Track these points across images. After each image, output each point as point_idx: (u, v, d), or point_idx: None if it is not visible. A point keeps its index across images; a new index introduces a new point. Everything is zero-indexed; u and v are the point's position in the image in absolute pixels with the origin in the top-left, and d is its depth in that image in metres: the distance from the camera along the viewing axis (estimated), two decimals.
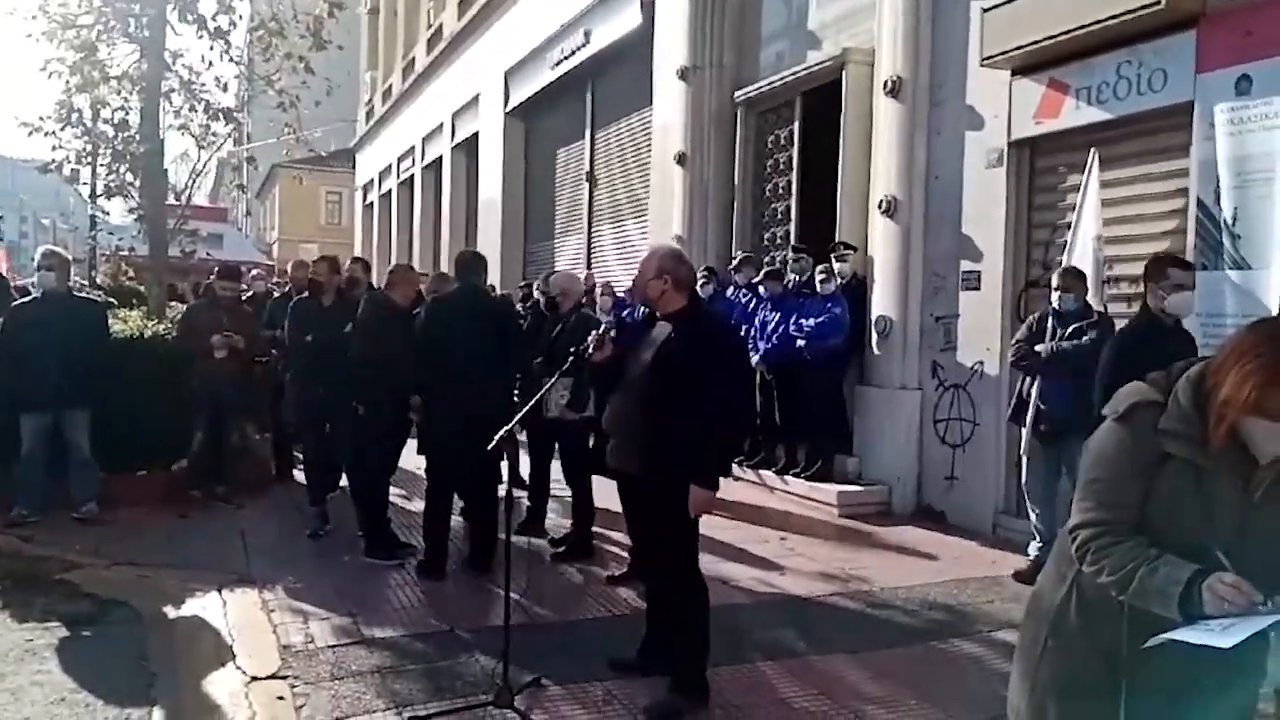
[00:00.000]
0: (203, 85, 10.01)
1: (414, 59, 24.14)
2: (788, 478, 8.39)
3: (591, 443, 5.94)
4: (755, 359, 8.05)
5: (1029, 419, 5.98)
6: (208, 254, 11.33)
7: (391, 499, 6.60)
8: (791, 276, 8.54)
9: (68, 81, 9.51)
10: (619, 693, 4.11)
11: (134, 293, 11.94)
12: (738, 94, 10.43)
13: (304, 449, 7.82)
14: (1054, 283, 5.97)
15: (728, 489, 4.10)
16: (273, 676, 4.27)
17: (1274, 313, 4.97)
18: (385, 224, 28.15)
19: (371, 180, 29.99)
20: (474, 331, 5.75)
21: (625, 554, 6.04)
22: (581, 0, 13.98)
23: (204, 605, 5.25)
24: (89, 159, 10.50)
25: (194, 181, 10.95)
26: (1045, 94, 6.81)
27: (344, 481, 7.00)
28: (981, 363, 7.36)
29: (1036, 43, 6.58)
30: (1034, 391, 5.94)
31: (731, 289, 9.35)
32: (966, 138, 7.46)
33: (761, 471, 8.67)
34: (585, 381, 5.62)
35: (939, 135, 7.74)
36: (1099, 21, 6.12)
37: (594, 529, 6.45)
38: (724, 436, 4.06)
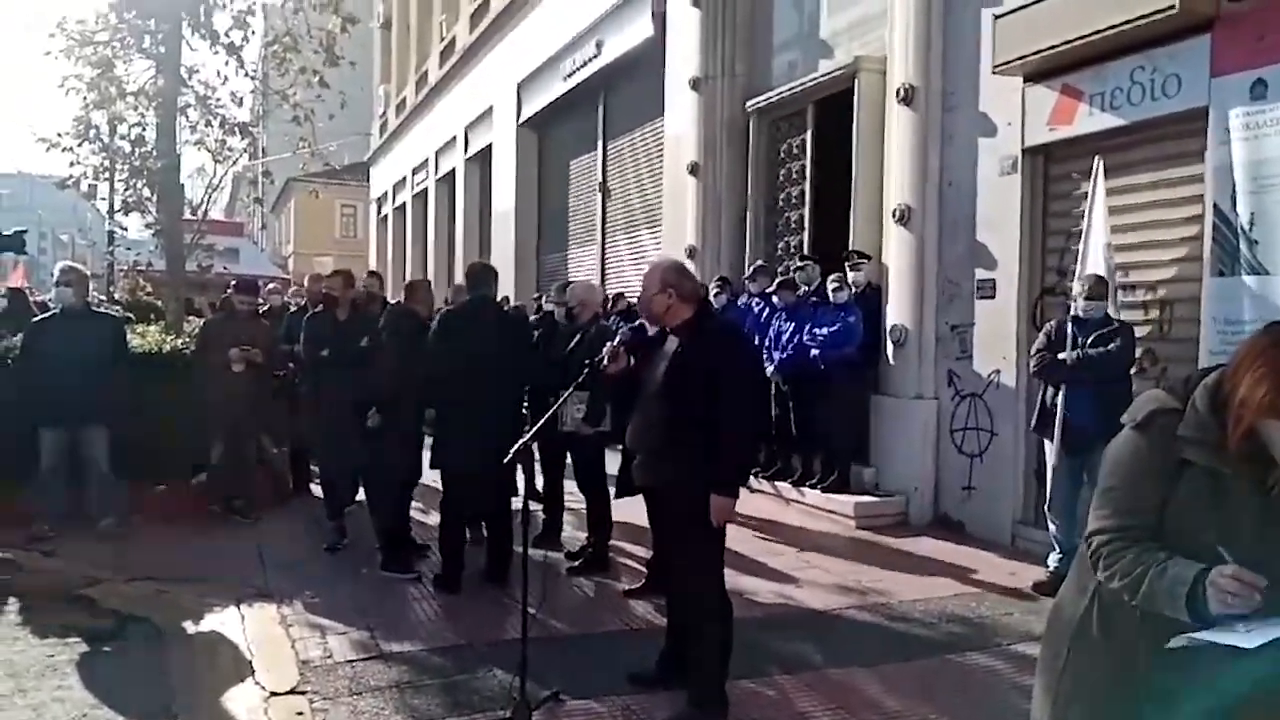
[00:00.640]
0: (218, 100, 10.13)
1: (427, 72, 24.27)
2: (804, 489, 8.36)
3: (620, 463, 5.94)
4: (770, 369, 8.04)
5: (1057, 429, 5.89)
6: (224, 268, 11.43)
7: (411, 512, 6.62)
8: (801, 286, 8.53)
9: (85, 98, 9.61)
10: (637, 707, 4.10)
11: (151, 307, 12.01)
12: (750, 103, 10.44)
13: (320, 462, 7.85)
14: (1077, 290, 5.92)
15: (743, 500, 4.09)
16: (291, 692, 4.28)
17: None
18: (400, 236, 28.27)
19: (386, 193, 30.13)
20: (486, 343, 5.76)
21: (641, 567, 6.05)
22: (593, 11, 14.03)
23: (223, 620, 5.27)
24: (106, 174, 10.61)
25: (210, 196, 11.05)
26: (1059, 100, 6.78)
27: (361, 495, 7.03)
28: (998, 371, 7.32)
29: (1049, 49, 6.56)
30: (1059, 401, 5.87)
31: (745, 298, 9.33)
32: (980, 145, 7.44)
33: (777, 483, 8.65)
34: (602, 395, 5.62)
35: (952, 143, 7.72)
36: (1112, 27, 6.09)
37: (609, 541, 6.45)
38: (742, 443, 4.06)
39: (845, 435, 8.19)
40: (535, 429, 4.42)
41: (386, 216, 30.27)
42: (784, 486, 8.56)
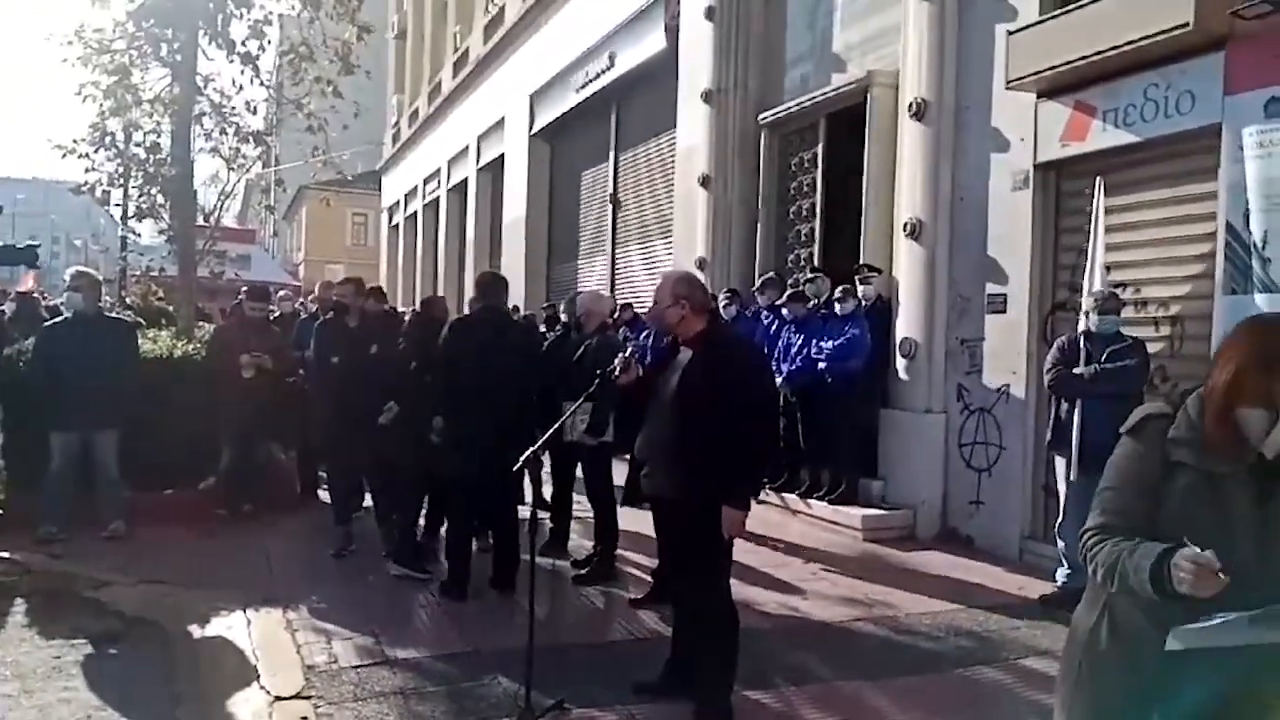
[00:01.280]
0: (233, 109, 10.18)
1: (440, 82, 24.40)
2: (811, 501, 8.34)
3: (628, 473, 5.97)
4: (779, 381, 8.03)
5: (1073, 446, 5.83)
6: (236, 275, 11.48)
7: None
8: (811, 298, 8.52)
9: (101, 105, 9.68)
10: (642, 717, 4.09)
11: (163, 313, 12.07)
12: (762, 117, 10.46)
13: (328, 468, 7.86)
14: (1091, 305, 5.90)
15: (751, 512, 4.08)
16: (296, 696, 4.28)
17: None
18: (411, 245, 28.38)
19: (397, 202, 30.27)
20: (495, 352, 5.77)
21: (647, 576, 6.03)
22: (606, 24, 14.09)
23: (229, 624, 5.28)
24: (121, 181, 10.67)
25: (223, 203, 11.11)
26: (1072, 116, 6.78)
27: (368, 501, 7.05)
28: (1008, 386, 7.30)
29: (1062, 65, 6.55)
30: (1075, 417, 5.82)
31: (754, 309, 9.32)
32: (992, 160, 7.44)
33: (785, 494, 8.63)
34: (605, 405, 5.63)
35: (964, 158, 7.72)
36: (1126, 44, 6.09)
37: (616, 550, 6.44)
38: (754, 455, 4.06)
39: (853, 448, 8.17)
40: (545, 438, 4.41)
41: (398, 225, 30.40)
42: (791, 498, 8.54)
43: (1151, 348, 6.00)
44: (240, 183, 11.82)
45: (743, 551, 6.30)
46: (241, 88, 10.21)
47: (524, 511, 5.92)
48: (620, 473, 6.82)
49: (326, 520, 7.21)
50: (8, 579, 6.02)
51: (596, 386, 4.32)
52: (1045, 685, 4.15)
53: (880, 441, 8.35)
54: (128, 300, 14.26)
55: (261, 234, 42.46)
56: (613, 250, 15.15)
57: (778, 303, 8.88)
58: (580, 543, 6.90)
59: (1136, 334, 6.01)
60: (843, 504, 8.05)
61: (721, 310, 8.63)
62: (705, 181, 10.99)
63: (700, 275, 10.31)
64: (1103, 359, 5.72)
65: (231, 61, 9.75)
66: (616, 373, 4.15)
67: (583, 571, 6.34)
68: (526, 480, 7.23)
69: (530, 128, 17.73)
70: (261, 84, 10.46)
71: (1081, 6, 6.46)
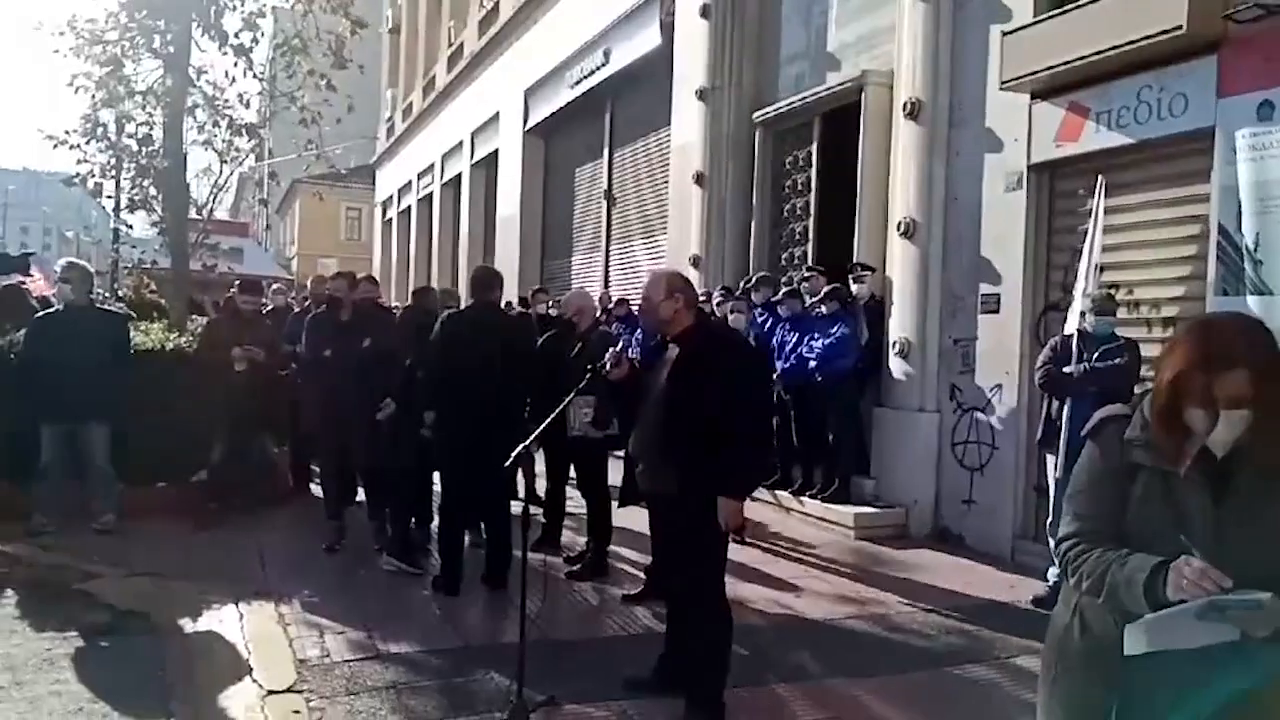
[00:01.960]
0: (226, 101, 10.16)
1: (434, 77, 24.35)
2: (804, 499, 8.36)
3: (624, 472, 5.96)
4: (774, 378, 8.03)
5: (1061, 444, 5.86)
6: (229, 268, 11.45)
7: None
8: (807, 296, 8.53)
9: (93, 96, 9.64)
10: (634, 712, 4.10)
11: (155, 306, 12.03)
12: (756, 115, 10.47)
13: (321, 462, 7.85)
14: (1086, 305, 5.92)
15: (744, 509, 4.09)
16: (288, 690, 4.28)
17: None
18: (404, 240, 28.33)
19: (391, 197, 30.20)
20: (489, 347, 5.77)
21: (640, 573, 6.04)
22: (601, 20, 14.08)
23: (221, 618, 5.27)
24: (113, 173, 10.64)
25: (215, 196, 11.09)
26: (1065, 118, 6.81)
27: (360, 495, 7.04)
28: (1000, 386, 7.33)
29: (1057, 66, 6.58)
30: (1064, 416, 5.85)
31: (747, 308, 9.31)
32: (986, 160, 7.46)
33: (778, 492, 8.64)
34: (607, 399, 5.62)
35: (958, 158, 7.74)
36: (1120, 46, 6.12)
37: (609, 547, 6.45)
38: (751, 445, 4.06)
39: (846, 446, 8.19)
40: (536, 433, 4.42)
41: (391, 220, 30.34)
42: (784, 495, 8.55)
43: (1144, 350, 6.01)
44: (233, 176, 11.80)
45: (735, 549, 6.29)
46: (234, 80, 10.19)
47: (516, 507, 5.95)
48: (615, 470, 6.81)
49: (319, 514, 7.21)
50: None
51: (587, 381, 4.32)
52: (1035, 684, 4.16)
53: (873, 440, 8.38)
54: (120, 293, 14.20)
55: (254, 227, 42.25)
56: (607, 247, 15.16)
57: (773, 300, 8.89)
58: (573, 539, 6.91)
59: (1128, 335, 6.04)
60: (835, 502, 8.07)
61: (716, 308, 8.65)
62: (699, 179, 11.00)
63: (694, 272, 10.36)
64: (1094, 358, 5.74)
65: (225, 54, 9.76)
66: (607, 367, 4.16)
67: (575, 567, 6.35)
68: (520, 475, 7.22)
69: (525, 123, 17.72)
70: (255, 77, 10.44)
71: (1076, 8, 6.49)
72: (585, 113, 15.68)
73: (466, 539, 6.25)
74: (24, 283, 9.97)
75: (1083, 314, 5.93)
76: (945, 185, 7.83)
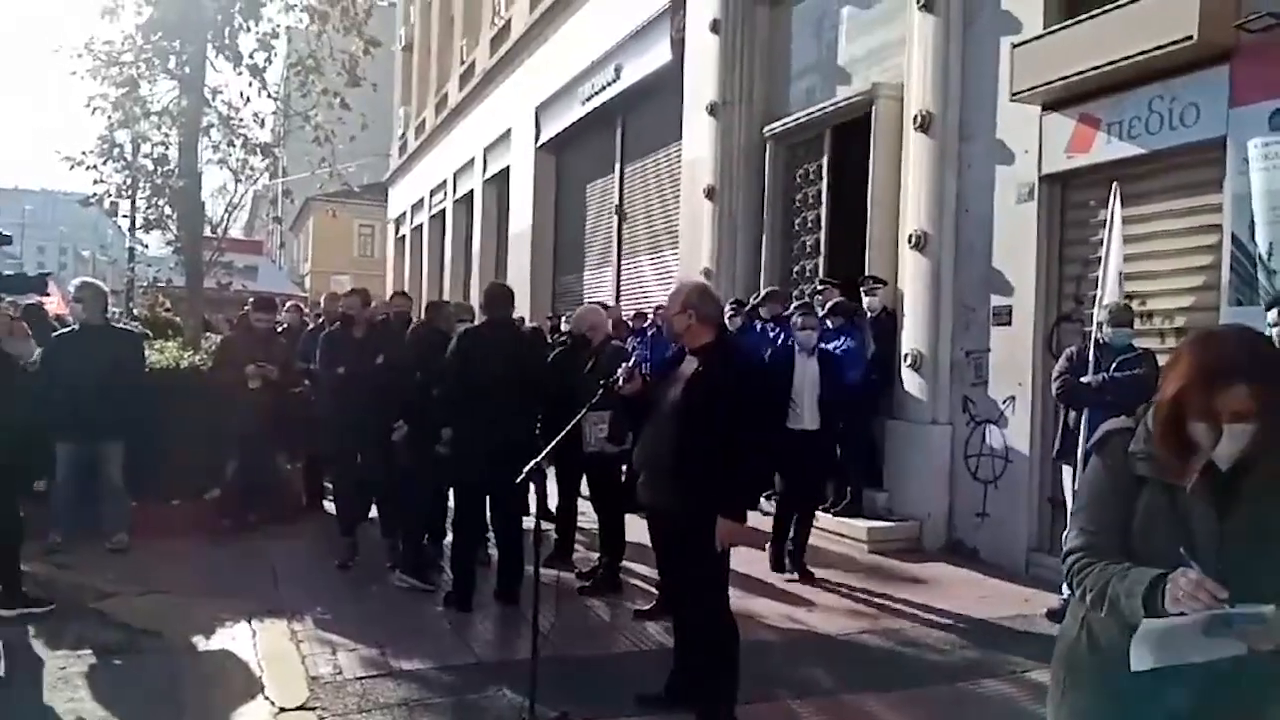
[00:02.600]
0: (241, 121, 10.21)
1: (447, 95, 24.50)
2: (817, 512, 8.30)
3: (624, 480, 5.96)
4: None
5: (1080, 455, 5.76)
6: (243, 286, 11.50)
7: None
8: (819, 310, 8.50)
9: (110, 117, 9.72)
10: None
11: (170, 324, 12.10)
12: (767, 129, 10.49)
13: (334, 479, 7.86)
14: (1103, 316, 5.89)
15: (756, 523, 4.08)
16: (301, 708, 4.28)
17: None
18: (417, 257, 28.44)
19: (404, 214, 30.35)
20: (502, 363, 5.77)
21: (652, 588, 6.02)
22: (612, 37, 14.14)
23: (234, 635, 5.28)
24: (129, 192, 10.70)
25: (230, 214, 11.15)
26: (1076, 129, 6.79)
27: (374, 513, 7.05)
28: (1013, 398, 7.29)
29: (1067, 77, 6.57)
30: (1082, 427, 5.79)
31: (759, 324, 9.30)
32: (997, 172, 7.45)
33: None
34: (622, 414, 5.62)
35: (969, 170, 7.73)
36: (1130, 56, 6.11)
37: (621, 562, 6.43)
38: (752, 468, 4.04)
39: (859, 459, 8.16)
40: (549, 448, 4.42)
41: (404, 237, 30.48)
42: None
43: (1158, 359, 5.98)
44: (248, 194, 11.86)
45: (746, 562, 6.31)
46: (249, 100, 10.26)
47: (528, 522, 5.94)
48: None
49: (332, 531, 7.23)
50: None
51: (600, 396, 4.32)
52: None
53: (886, 453, 8.34)
54: (135, 311, 14.30)
55: (268, 245, 42.55)
56: (618, 261, 15.18)
57: (781, 314, 8.86)
58: (586, 554, 6.89)
59: (1144, 344, 6.00)
60: (848, 515, 8.04)
61: (728, 321, 8.63)
62: (710, 193, 11.01)
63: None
64: (1112, 368, 5.71)
65: (239, 74, 9.81)
66: (620, 382, 4.16)
67: (587, 583, 6.34)
68: (532, 491, 7.21)
69: (536, 140, 17.80)
70: (269, 96, 10.51)
71: (1087, 19, 6.48)
72: (596, 128, 15.74)
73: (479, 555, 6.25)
74: (41, 303, 10.04)
75: (1099, 324, 5.89)
76: (956, 197, 7.82)
